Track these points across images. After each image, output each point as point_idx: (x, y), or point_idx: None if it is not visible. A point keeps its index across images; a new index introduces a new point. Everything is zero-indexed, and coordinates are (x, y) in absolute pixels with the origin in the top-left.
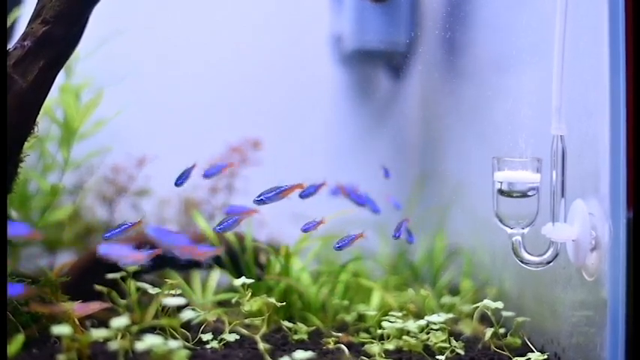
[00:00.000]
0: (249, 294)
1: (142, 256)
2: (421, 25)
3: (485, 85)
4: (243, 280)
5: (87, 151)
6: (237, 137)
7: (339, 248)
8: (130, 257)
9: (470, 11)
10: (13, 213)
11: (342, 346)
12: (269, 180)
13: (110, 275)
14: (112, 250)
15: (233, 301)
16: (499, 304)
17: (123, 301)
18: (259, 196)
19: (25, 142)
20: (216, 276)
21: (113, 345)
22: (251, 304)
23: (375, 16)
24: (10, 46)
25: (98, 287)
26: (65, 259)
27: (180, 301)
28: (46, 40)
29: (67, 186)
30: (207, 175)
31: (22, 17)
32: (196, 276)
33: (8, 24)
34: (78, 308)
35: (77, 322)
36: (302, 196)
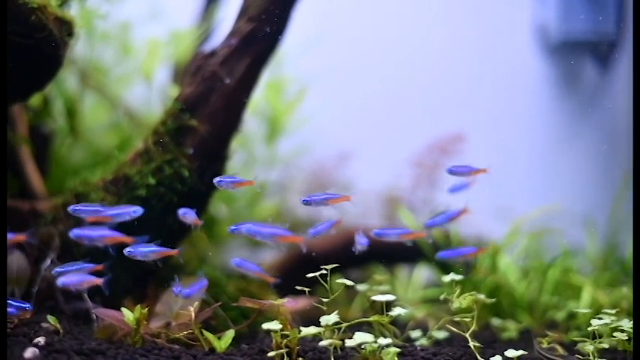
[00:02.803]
0: (458, 291)
1: None
2: (629, 14)
3: None
4: (452, 276)
5: (291, 148)
6: (439, 131)
7: (315, 235)
8: None
9: None
10: (222, 208)
11: (556, 346)
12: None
13: (315, 273)
14: None
15: (441, 297)
16: None
17: (327, 298)
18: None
19: (232, 140)
20: (423, 272)
21: (323, 341)
22: (460, 301)
23: (582, 5)
24: (218, 45)
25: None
26: (270, 255)
27: (390, 297)
28: (252, 37)
29: (272, 182)
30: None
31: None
32: (402, 272)
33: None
34: (288, 304)
35: (287, 318)
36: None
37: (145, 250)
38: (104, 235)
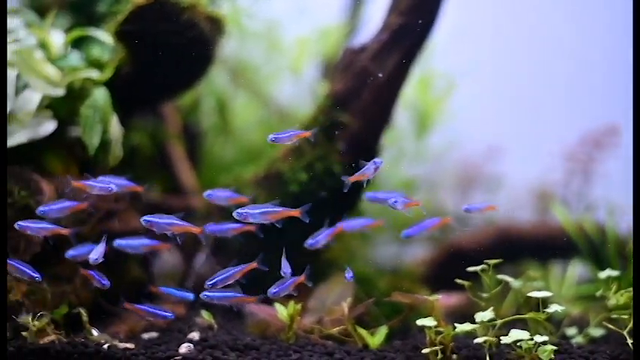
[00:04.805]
0: (615, 287)
1: None
2: None
3: None
4: (608, 272)
5: (440, 142)
6: (592, 123)
7: (312, 245)
8: None
9: None
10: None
11: None
12: (628, 166)
13: (470, 268)
14: None
15: (597, 294)
16: None
17: (482, 294)
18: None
19: (383, 135)
20: (577, 268)
21: (479, 338)
22: (617, 297)
23: None
24: (368, 40)
25: (459, 280)
26: (421, 251)
27: (546, 293)
28: (402, 32)
29: (421, 177)
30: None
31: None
32: (556, 268)
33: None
34: (441, 300)
35: (441, 314)
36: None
37: (136, 244)
38: (172, 224)
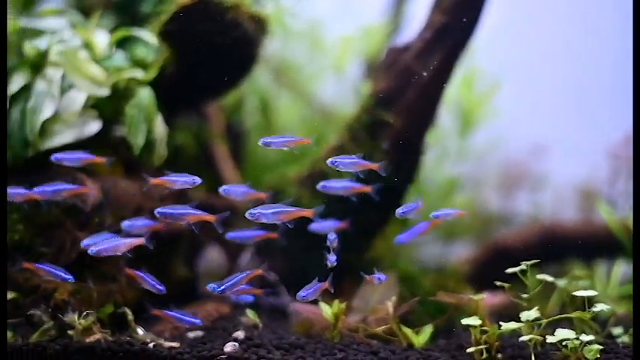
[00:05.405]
0: None
1: None
2: None
3: None
4: None
5: (484, 141)
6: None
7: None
8: None
9: None
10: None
11: None
12: None
13: (510, 269)
14: None
15: None
16: None
17: (525, 293)
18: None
19: (427, 133)
20: (622, 267)
21: (524, 337)
22: None
23: None
24: (411, 39)
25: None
26: (464, 250)
27: (592, 292)
28: (445, 30)
29: (464, 176)
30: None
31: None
32: (601, 267)
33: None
34: (486, 299)
35: (485, 314)
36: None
37: (140, 224)
38: (187, 214)
